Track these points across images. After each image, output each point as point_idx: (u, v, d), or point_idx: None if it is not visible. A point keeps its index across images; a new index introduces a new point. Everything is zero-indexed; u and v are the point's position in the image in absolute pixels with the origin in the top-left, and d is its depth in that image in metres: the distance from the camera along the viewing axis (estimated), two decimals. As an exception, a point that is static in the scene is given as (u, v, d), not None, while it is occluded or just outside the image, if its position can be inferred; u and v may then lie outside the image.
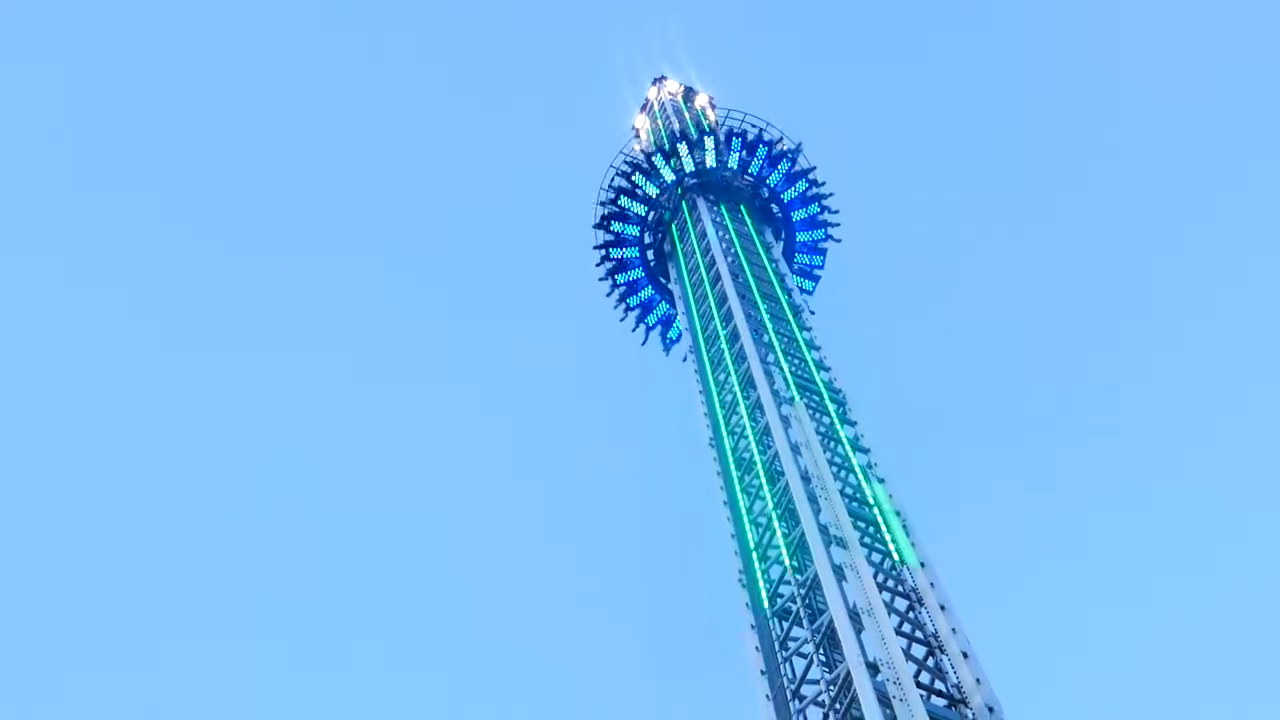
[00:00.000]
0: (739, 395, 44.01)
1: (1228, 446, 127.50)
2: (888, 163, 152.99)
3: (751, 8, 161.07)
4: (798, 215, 61.19)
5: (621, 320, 62.88)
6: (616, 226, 61.87)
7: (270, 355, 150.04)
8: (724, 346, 47.58)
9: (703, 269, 54.01)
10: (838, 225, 61.93)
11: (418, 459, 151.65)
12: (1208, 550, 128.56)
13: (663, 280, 61.29)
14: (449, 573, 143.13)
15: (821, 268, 62.13)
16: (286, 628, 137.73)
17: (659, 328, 62.67)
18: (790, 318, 48.85)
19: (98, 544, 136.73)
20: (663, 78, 72.22)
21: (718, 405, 45.35)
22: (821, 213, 61.54)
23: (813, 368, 45.08)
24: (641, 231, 61.61)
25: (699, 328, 51.55)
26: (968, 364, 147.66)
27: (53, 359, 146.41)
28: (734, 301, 48.81)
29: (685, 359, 52.70)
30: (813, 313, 50.75)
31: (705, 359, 48.59)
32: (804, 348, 46.45)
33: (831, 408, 42.22)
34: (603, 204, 62.03)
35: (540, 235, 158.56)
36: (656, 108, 69.51)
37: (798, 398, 41.82)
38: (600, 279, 62.48)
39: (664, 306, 61.96)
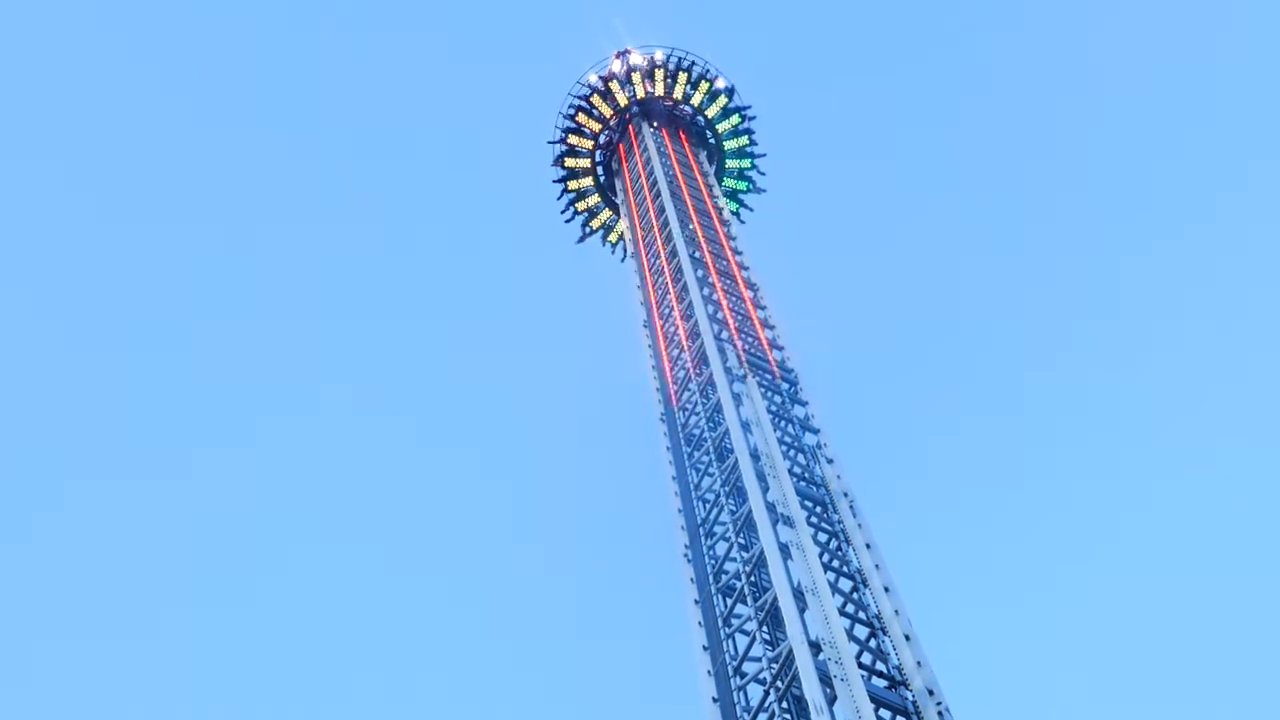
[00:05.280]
0: (691, 371, 43.89)
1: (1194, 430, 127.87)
2: (834, 125, 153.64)
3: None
4: (731, 164, 67.89)
5: (579, 241, 69.77)
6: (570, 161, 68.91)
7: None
8: (676, 317, 47.51)
9: (651, 207, 57.37)
10: (764, 191, 68.39)
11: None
12: (1166, 541, 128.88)
13: (612, 196, 68.46)
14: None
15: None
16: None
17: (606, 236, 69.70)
18: (744, 290, 48.95)
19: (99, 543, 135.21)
20: (627, 51, 71.34)
21: (669, 380, 45.21)
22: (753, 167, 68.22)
23: (766, 346, 44.96)
24: (593, 159, 69.03)
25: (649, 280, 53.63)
26: (919, 343, 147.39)
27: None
28: (684, 257, 50.57)
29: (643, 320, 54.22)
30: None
31: (659, 333, 48.41)
32: (758, 326, 46.37)
33: (783, 386, 42.15)
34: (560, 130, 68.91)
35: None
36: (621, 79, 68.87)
37: (750, 375, 41.67)
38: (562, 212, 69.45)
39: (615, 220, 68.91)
